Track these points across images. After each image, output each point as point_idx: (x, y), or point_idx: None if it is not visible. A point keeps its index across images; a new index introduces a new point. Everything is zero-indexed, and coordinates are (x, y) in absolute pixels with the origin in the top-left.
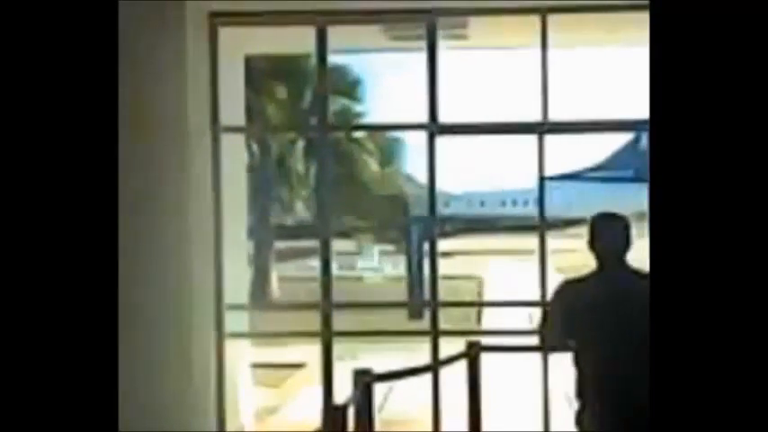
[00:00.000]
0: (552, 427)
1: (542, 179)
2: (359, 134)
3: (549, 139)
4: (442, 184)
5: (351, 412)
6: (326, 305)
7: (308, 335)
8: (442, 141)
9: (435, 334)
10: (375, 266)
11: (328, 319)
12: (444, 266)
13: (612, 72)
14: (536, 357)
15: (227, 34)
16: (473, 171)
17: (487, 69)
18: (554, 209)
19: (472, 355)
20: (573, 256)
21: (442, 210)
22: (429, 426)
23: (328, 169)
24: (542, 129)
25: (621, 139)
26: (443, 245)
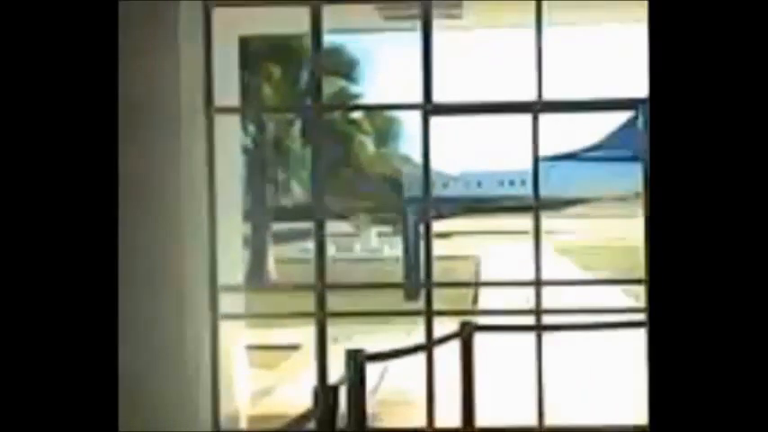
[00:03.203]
0: (546, 405)
1: (537, 159)
2: (356, 115)
3: (547, 118)
4: (439, 165)
5: (342, 392)
6: (321, 286)
7: (302, 315)
8: (440, 122)
9: (429, 314)
10: (373, 248)
11: (323, 300)
12: (442, 247)
13: (610, 50)
14: (530, 337)
15: (221, 14)
16: (471, 152)
17: (483, 49)
18: (552, 189)
19: (465, 335)
20: (573, 237)
21: (440, 190)
22: (424, 405)
23: (324, 150)
24: (538, 108)
25: (619, 118)
26: (441, 225)
